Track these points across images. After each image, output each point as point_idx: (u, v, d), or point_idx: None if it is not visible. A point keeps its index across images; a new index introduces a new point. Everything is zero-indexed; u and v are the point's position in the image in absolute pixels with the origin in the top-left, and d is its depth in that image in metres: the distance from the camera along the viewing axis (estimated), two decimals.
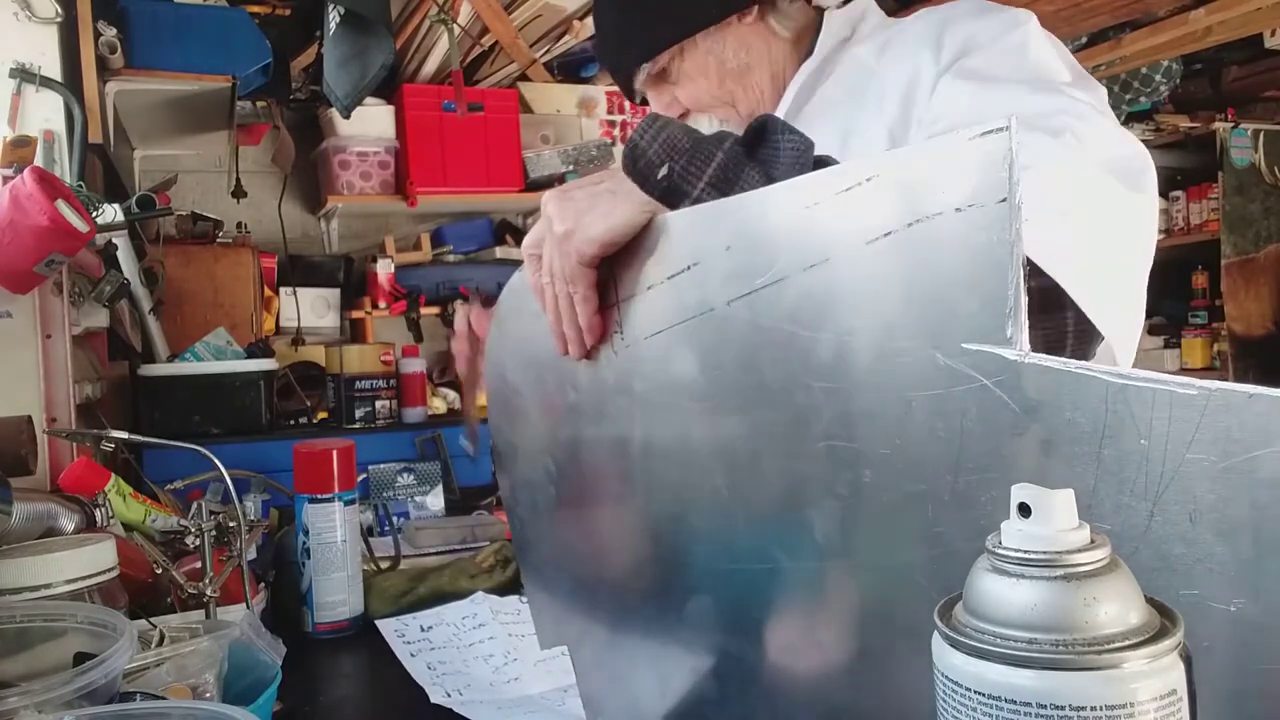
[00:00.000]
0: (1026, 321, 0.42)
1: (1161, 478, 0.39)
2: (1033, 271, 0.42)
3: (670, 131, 0.64)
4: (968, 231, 0.43)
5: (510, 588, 1.23)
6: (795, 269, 0.53)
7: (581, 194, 0.67)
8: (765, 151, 0.63)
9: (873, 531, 0.51)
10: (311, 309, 3.22)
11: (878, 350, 0.49)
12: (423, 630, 1.10)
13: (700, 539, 0.63)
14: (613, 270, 0.67)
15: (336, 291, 3.29)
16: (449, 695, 0.92)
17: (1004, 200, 0.42)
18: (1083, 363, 0.41)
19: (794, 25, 1.07)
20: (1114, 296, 0.71)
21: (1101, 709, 0.32)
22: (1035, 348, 0.42)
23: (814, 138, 0.64)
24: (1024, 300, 0.42)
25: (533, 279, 0.72)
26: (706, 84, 1.07)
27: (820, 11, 1.09)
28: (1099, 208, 0.71)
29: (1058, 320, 0.70)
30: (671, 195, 0.64)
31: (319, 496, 1.13)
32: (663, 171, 0.63)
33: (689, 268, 0.61)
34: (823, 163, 0.63)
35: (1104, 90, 0.85)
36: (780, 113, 1.04)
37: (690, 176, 0.63)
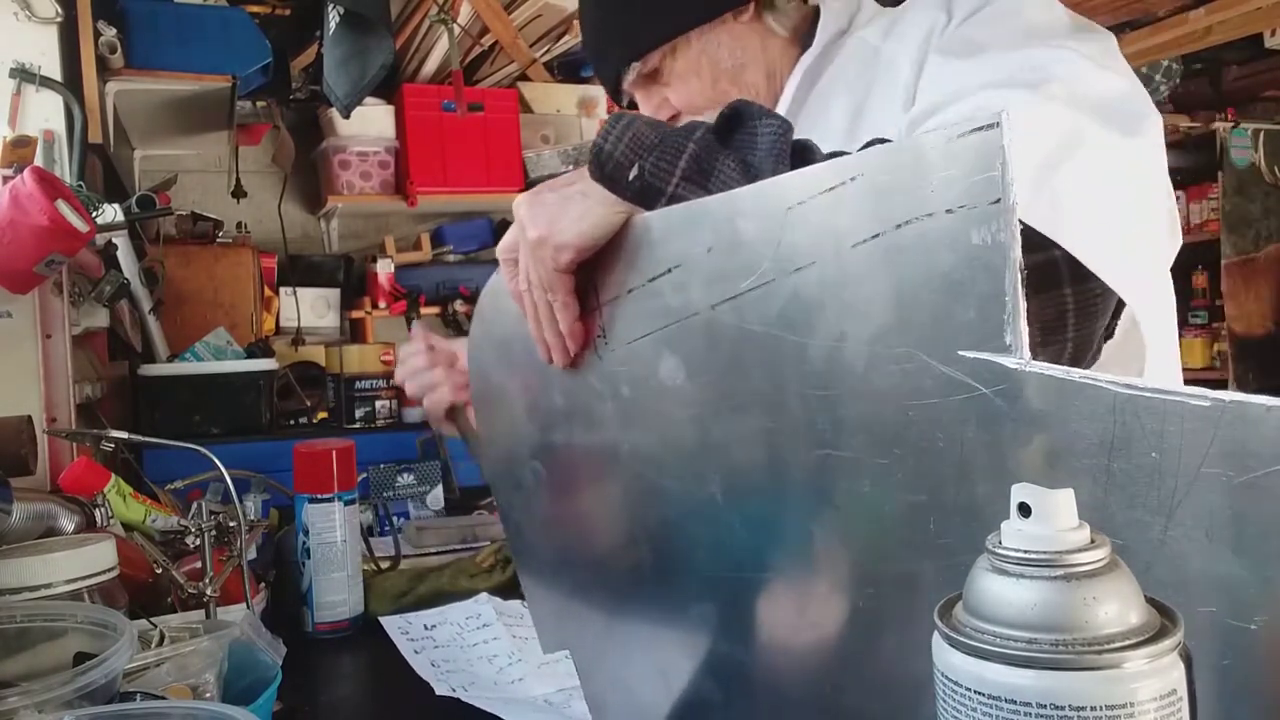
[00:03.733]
0: (1026, 329, 0.40)
1: (1175, 492, 0.38)
2: (1026, 244, 0.40)
3: (636, 129, 0.62)
4: (960, 233, 0.42)
5: (511, 587, 1.22)
6: (781, 272, 0.51)
7: (553, 197, 0.65)
8: (740, 138, 0.61)
9: (874, 542, 0.50)
10: (311, 309, 3.22)
11: (872, 357, 0.47)
12: (426, 629, 1.10)
13: (697, 546, 0.62)
14: (592, 273, 0.65)
15: (336, 291, 3.29)
16: (453, 690, 0.92)
17: (998, 201, 0.40)
18: (1087, 372, 0.40)
19: (790, 23, 1.03)
20: (1120, 246, 0.66)
21: (1101, 709, 0.32)
22: (1030, 331, 0.41)
23: (824, 119, 0.60)
24: (1023, 305, 0.40)
25: (510, 285, 0.70)
26: (699, 84, 1.02)
27: (814, 7, 1.05)
28: (1089, 157, 0.66)
29: (1055, 298, 0.66)
30: (646, 195, 0.61)
31: (319, 496, 1.13)
32: (633, 172, 0.61)
33: (670, 270, 0.59)
34: (804, 148, 0.60)
35: (1110, 38, 0.78)
36: (780, 109, 1.01)
37: (662, 173, 0.60)
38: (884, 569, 0.50)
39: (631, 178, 0.61)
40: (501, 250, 0.70)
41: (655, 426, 0.64)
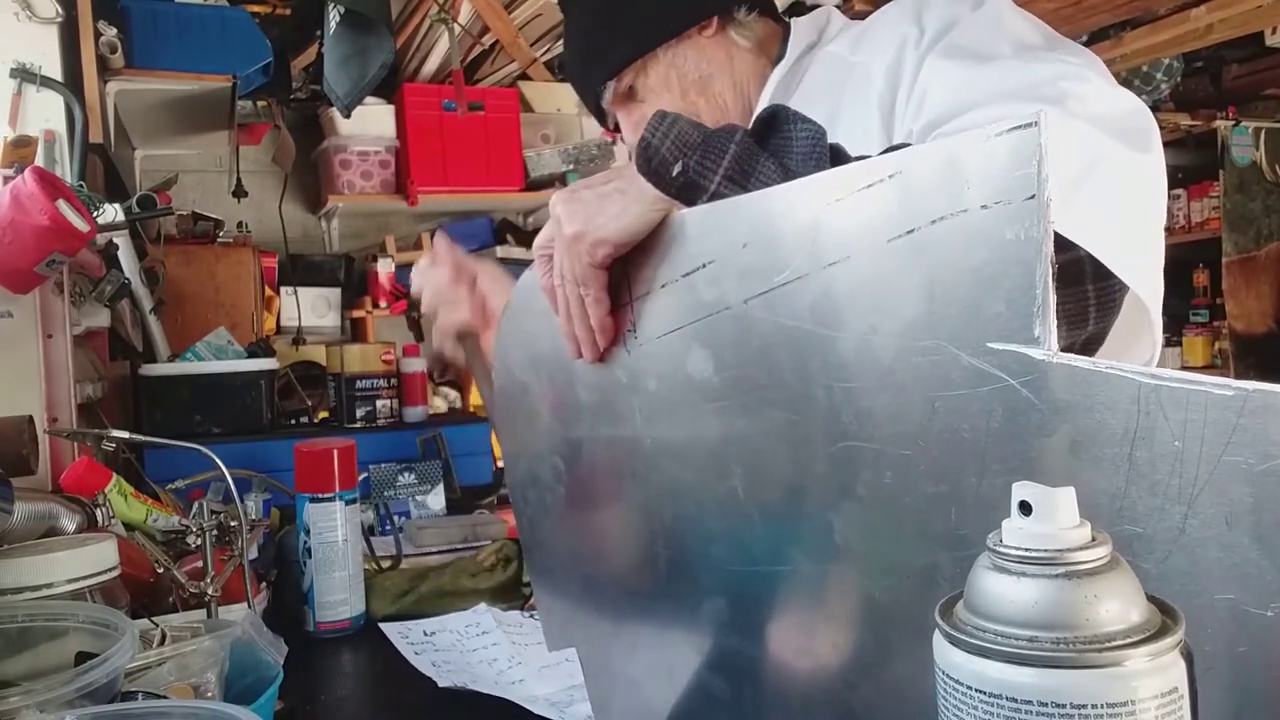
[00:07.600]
0: (1055, 320, 0.41)
1: (1196, 480, 0.38)
2: (1055, 245, 0.42)
3: (680, 127, 0.64)
4: (994, 229, 0.43)
5: (511, 586, 1.23)
6: (815, 266, 0.52)
7: (590, 194, 0.66)
8: (777, 141, 0.63)
9: (894, 533, 0.50)
10: (312, 308, 3.22)
11: (900, 350, 0.48)
12: (426, 635, 1.10)
13: (715, 540, 0.63)
14: (626, 269, 0.67)
15: (337, 291, 3.29)
16: (456, 685, 0.92)
17: (1032, 197, 0.41)
18: (1113, 363, 0.40)
19: (754, 36, 1.08)
20: (1139, 252, 0.71)
21: (1103, 707, 0.32)
22: (1058, 322, 0.42)
23: None
24: (1052, 299, 0.41)
25: (543, 281, 0.71)
26: (670, 97, 1.08)
27: (781, 23, 1.10)
28: (1111, 172, 0.71)
29: (1078, 293, 0.69)
30: (688, 191, 0.63)
31: (320, 496, 1.13)
32: (677, 169, 0.63)
33: (705, 265, 0.60)
34: (837, 151, 0.62)
35: (1092, 54, 0.83)
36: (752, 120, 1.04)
37: (706, 171, 0.62)
38: (903, 560, 0.50)
39: (675, 174, 0.63)
40: (537, 246, 0.71)
41: (680, 420, 0.64)
